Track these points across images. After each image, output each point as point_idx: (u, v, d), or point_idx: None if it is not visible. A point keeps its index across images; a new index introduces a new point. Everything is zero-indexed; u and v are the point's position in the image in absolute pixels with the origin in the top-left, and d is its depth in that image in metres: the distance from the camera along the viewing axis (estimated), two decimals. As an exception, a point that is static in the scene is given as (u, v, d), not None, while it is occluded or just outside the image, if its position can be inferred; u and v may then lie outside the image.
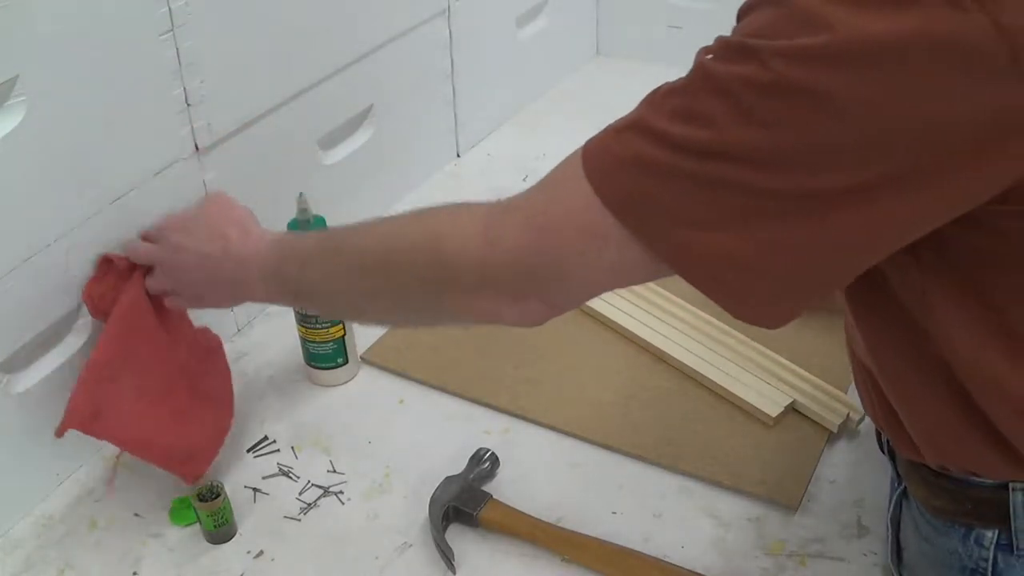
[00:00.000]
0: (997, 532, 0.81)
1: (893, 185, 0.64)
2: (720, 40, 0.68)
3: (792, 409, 1.17)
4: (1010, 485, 0.79)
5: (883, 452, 0.96)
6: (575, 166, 0.72)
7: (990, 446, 0.78)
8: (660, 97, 0.70)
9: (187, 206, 1.11)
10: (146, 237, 1.09)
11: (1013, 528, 0.80)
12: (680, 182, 0.67)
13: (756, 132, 0.64)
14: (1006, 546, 0.81)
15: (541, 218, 0.76)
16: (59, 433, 1.02)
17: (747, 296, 0.71)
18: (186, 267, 1.05)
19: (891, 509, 0.94)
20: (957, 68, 0.61)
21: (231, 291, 1.05)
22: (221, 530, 1.05)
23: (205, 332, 1.16)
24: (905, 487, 0.90)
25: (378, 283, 0.88)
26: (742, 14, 0.69)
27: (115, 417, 1.04)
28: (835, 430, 1.14)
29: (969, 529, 0.83)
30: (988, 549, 0.82)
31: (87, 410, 1.02)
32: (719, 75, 0.66)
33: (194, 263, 1.04)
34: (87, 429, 1.03)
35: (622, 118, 0.72)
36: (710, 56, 0.68)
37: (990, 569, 0.82)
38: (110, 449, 1.16)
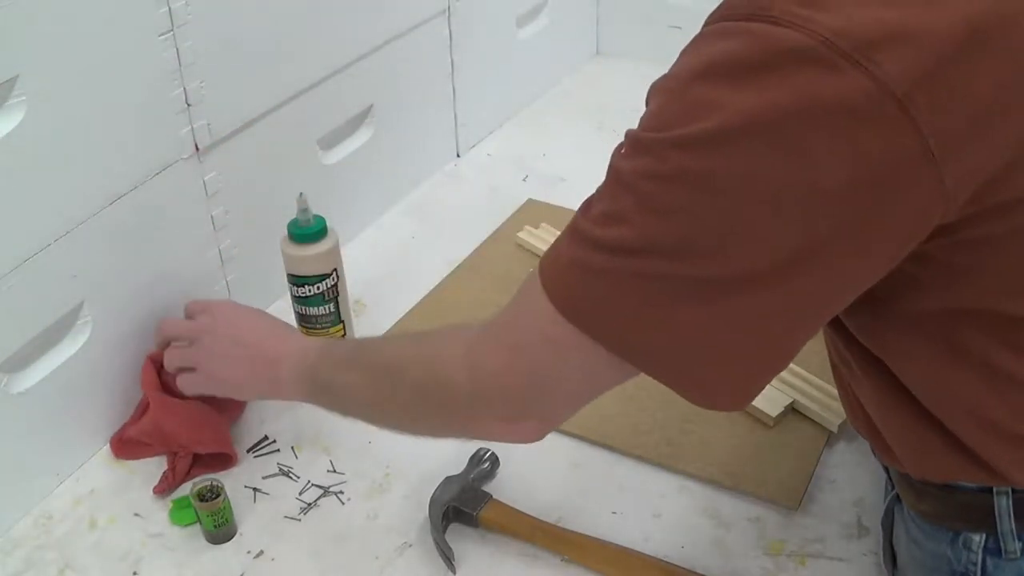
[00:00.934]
0: (985, 536, 0.81)
1: (814, 256, 0.65)
2: (628, 134, 0.70)
3: (792, 409, 1.17)
4: (994, 489, 0.79)
5: (875, 456, 0.96)
6: (535, 279, 0.74)
7: (965, 460, 0.79)
8: (589, 202, 0.72)
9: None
10: (192, 310, 1.14)
11: (999, 531, 0.80)
12: (616, 280, 0.69)
13: (664, 223, 0.66)
14: (994, 549, 0.81)
15: (511, 336, 0.78)
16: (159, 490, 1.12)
17: (705, 382, 0.72)
18: (223, 347, 1.07)
19: (884, 513, 0.94)
20: (846, 128, 0.61)
21: (261, 382, 1.05)
22: (221, 530, 1.05)
23: None
24: (897, 492, 0.90)
25: (389, 400, 0.90)
26: (647, 101, 0.71)
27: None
28: (835, 430, 1.14)
29: (957, 533, 0.83)
30: (976, 552, 0.82)
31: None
32: (624, 173, 0.69)
33: (237, 343, 1.06)
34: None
35: (566, 227, 0.73)
36: (621, 153, 0.70)
37: (979, 572, 0.82)
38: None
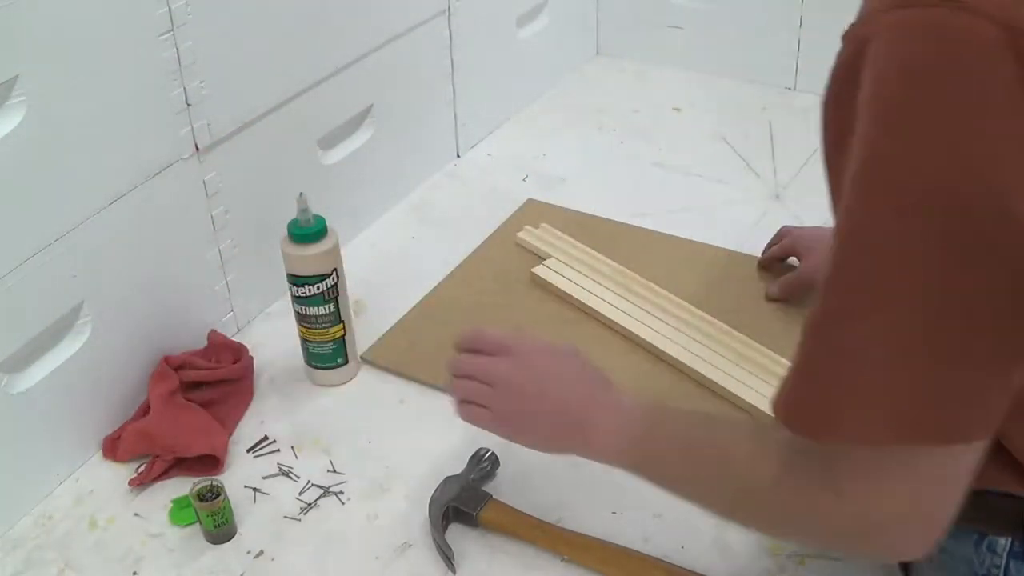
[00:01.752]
0: (1011, 539, 0.81)
1: None
2: (855, 180, 0.66)
3: (792, 409, 1.17)
4: None
5: None
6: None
7: (1005, 470, 0.77)
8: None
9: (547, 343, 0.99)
10: (492, 345, 0.98)
11: None
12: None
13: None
14: (1019, 553, 0.81)
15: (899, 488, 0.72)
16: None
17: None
18: (523, 401, 0.95)
19: None
20: None
21: (567, 443, 0.95)
22: (221, 530, 1.05)
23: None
24: None
25: (739, 509, 0.85)
26: (824, 112, 0.67)
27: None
28: (835, 430, 1.14)
29: (982, 536, 0.82)
30: (1001, 556, 0.81)
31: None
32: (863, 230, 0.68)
33: (540, 397, 0.95)
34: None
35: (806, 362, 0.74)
36: (847, 207, 0.67)
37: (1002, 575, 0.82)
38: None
